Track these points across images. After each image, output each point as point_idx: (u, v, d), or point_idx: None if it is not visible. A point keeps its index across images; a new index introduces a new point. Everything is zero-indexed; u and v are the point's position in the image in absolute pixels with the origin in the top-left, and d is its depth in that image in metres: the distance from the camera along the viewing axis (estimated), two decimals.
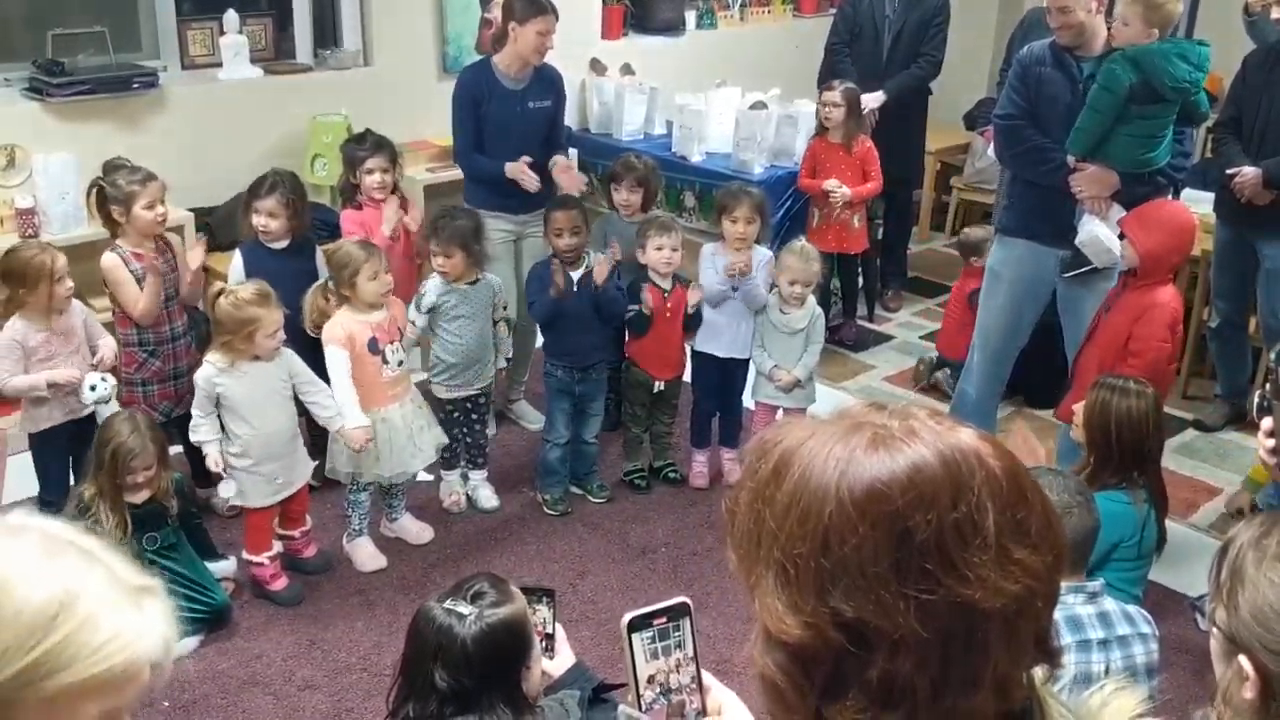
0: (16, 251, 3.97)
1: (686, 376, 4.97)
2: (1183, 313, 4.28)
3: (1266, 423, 1.90)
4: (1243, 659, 1.49)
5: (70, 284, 4.00)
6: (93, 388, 4.01)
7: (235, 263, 4.37)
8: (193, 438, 3.97)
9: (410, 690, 2.28)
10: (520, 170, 4.88)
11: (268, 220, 4.38)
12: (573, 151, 6.02)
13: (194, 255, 4.50)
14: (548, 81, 5.05)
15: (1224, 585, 1.54)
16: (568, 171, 5.07)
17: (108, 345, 4.20)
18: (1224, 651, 1.55)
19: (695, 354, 4.89)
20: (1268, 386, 1.88)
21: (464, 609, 2.27)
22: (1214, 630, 1.56)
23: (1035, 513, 1.02)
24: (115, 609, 1.05)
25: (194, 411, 3.95)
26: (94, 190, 4.20)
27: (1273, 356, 1.87)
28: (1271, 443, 1.89)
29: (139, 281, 4.18)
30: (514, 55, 4.88)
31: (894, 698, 0.99)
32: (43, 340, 3.96)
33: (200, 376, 3.91)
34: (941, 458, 0.99)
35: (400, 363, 4.23)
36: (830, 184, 5.80)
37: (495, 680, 2.26)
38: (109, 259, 4.18)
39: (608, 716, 2.37)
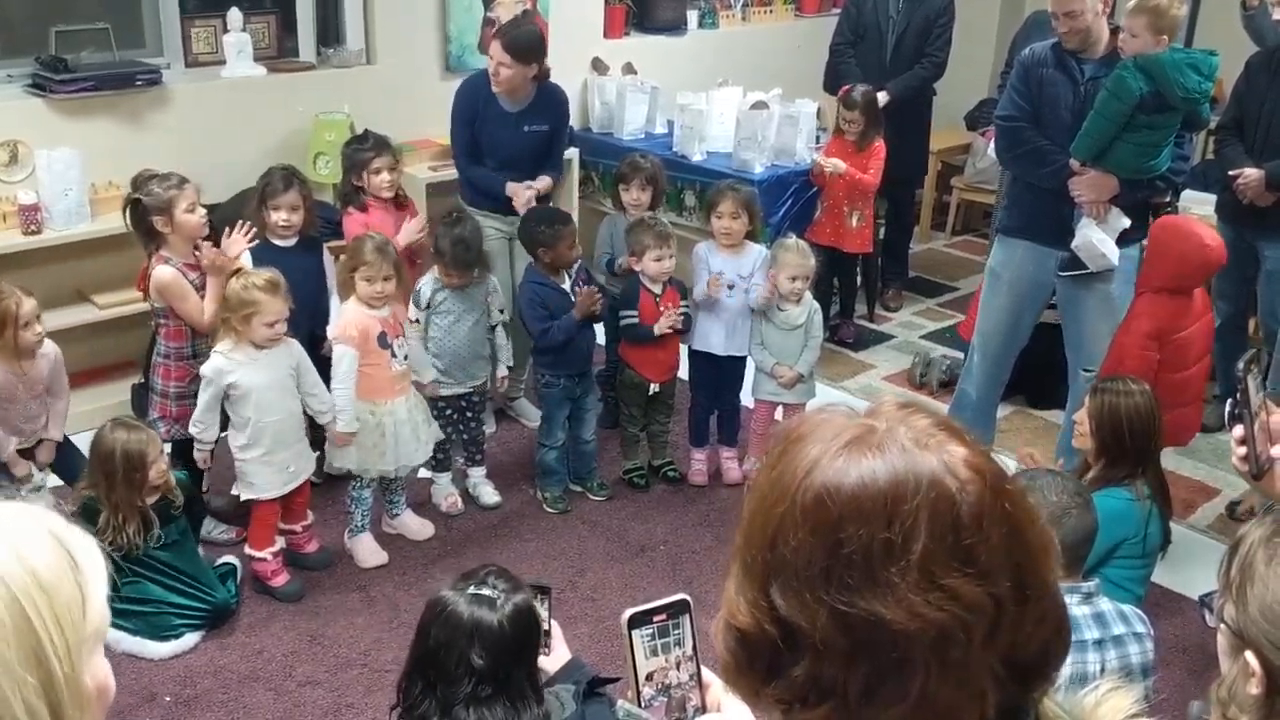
0: None
1: (683, 374, 4.98)
2: (1183, 326, 4.25)
3: (1237, 430, 1.92)
4: (1249, 655, 1.51)
5: (39, 330, 3.95)
6: (37, 487, 4.07)
7: (244, 259, 4.37)
8: (192, 429, 3.97)
9: (433, 678, 2.31)
10: (517, 192, 4.86)
11: (290, 215, 4.37)
12: (574, 151, 6.03)
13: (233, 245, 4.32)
14: (548, 103, 5.00)
15: (1234, 582, 1.56)
16: (523, 196, 4.92)
17: (51, 436, 4.14)
18: (1231, 647, 1.56)
19: (692, 353, 4.90)
20: (1238, 395, 1.90)
21: (489, 592, 2.33)
22: (1222, 626, 1.58)
23: (992, 540, 1.00)
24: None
25: (198, 412, 3.92)
26: (129, 206, 4.14)
27: (1240, 365, 1.90)
28: (1243, 450, 1.91)
29: (197, 292, 4.15)
30: None
31: (817, 695, 1.01)
32: (9, 383, 3.93)
33: (209, 368, 3.87)
34: (893, 474, 0.99)
35: (405, 357, 4.25)
36: (824, 160, 5.81)
37: (523, 660, 2.34)
38: (166, 273, 4.08)
39: (602, 709, 2.39)
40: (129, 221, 4.19)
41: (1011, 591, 1.00)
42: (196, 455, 4.02)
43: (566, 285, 4.59)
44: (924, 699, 0.99)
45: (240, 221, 4.25)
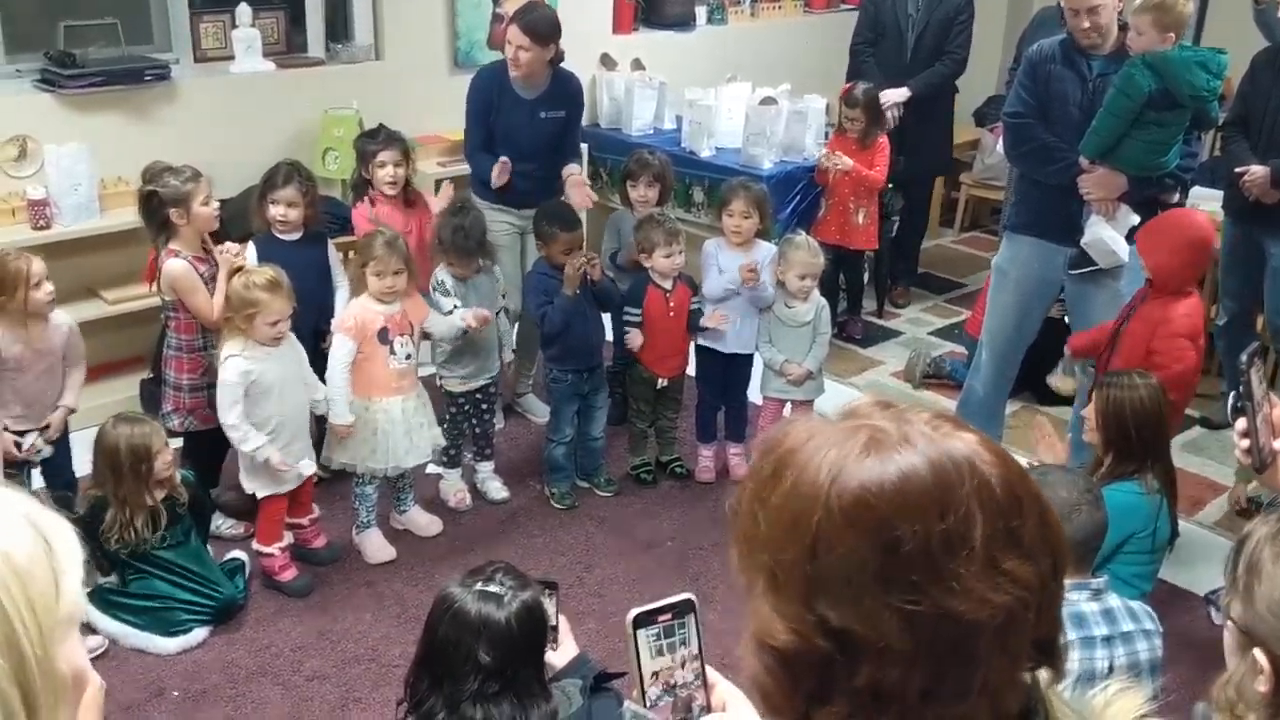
0: None
1: (690, 371, 4.99)
2: (1203, 324, 4.21)
3: (1240, 423, 1.93)
4: (1257, 653, 1.50)
5: (50, 289, 3.93)
6: (38, 451, 4.04)
7: (249, 255, 4.36)
8: (245, 448, 3.92)
9: (441, 674, 2.32)
10: (497, 171, 4.87)
11: (286, 210, 4.37)
12: (583, 147, 6.02)
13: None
14: (564, 91, 5.01)
15: (1240, 579, 1.56)
16: (580, 188, 5.01)
17: (66, 403, 4.11)
18: (1238, 645, 1.56)
19: (699, 350, 4.90)
20: (1241, 388, 1.90)
21: (496, 589, 2.33)
22: (1229, 623, 1.58)
23: (1030, 521, 1.00)
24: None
25: (232, 419, 3.87)
26: (145, 198, 4.15)
27: (1243, 359, 1.90)
28: (1246, 443, 1.92)
29: (207, 285, 4.16)
30: None
31: (880, 705, 0.99)
32: (18, 353, 3.91)
33: (232, 371, 3.85)
34: (932, 466, 0.98)
35: (408, 356, 4.24)
36: (830, 157, 5.81)
37: (530, 658, 2.34)
38: (177, 266, 4.10)
39: (609, 704, 2.39)
40: (142, 213, 4.20)
41: (1051, 569, 1.01)
42: (274, 459, 3.94)
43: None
44: (986, 689, 0.99)
45: (222, 246, 4.23)
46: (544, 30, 4.80)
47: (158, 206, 4.12)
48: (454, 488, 4.70)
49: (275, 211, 4.38)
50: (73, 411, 4.15)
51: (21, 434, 4.00)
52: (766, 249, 4.79)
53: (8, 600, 0.95)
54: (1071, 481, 2.93)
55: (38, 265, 3.90)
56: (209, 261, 4.20)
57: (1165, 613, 3.27)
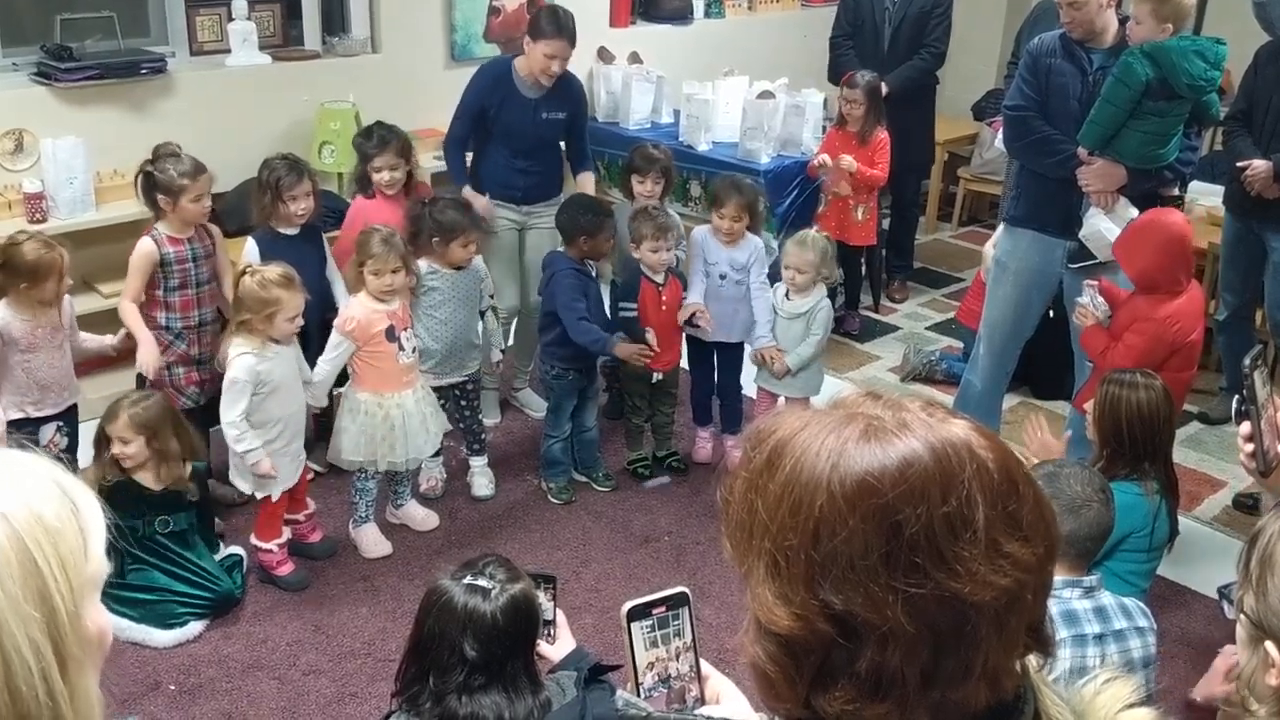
0: (20, 246, 3.89)
1: (685, 364, 4.99)
2: (1193, 327, 4.15)
3: (1244, 427, 1.92)
4: (1269, 646, 1.50)
5: (69, 282, 4.00)
6: (57, 445, 4.05)
7: (249, 250, 4.35)
8: (239, 448, 3.87)
9: (427, 665, 2.32)
10: (480, 204, 4.88)
11: (306, 203, 4.40)
12: None
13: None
14: (565, 93, 5.00)
15: (1253, 573, 1.55)
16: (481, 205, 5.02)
17: (115, 345, 4.24)
18: (1250, 638, 1.55)
19: (690, 338, 4.91)
20: (1244, 391, 1.89)
21: (485, 583, 2.33)
22: (1241, 617, 1.57)
23: (1027, 505, 1.01)
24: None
25: (233, 417, 3.83)
26: (141, 175, 4.20)
27: (1246, 362, 1.89)
28: (1250, 446, 1.91)
29: (169, 265, 4.20)
30: (527, 67, 4.88)
31: (882, 688, 0.99)
32: (27, 331, 3.93)
33: (241, 368, 3.82)
34: (932, 451, 0.99)
35: (414, 349, 4.25)
36: (826, 159, 5.81)
37: (518, 651, 2.33)
38: (145, 245, 4.20)
39: (603, 696, 2.39)
40: (139, 188, 4.26)
41: (1046, 552, 1.02)
42: (263, 466, 3.90)
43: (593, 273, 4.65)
44: (986, 671, 1.00)
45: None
46: (575, 33, 4.85)
47: (150, 186, 4.17)
48: (427, 475, 4.68)
49: (296, 207, 4.39)
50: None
51: (37, 422, 4.03)
52: (755, 243, 4.78)
53: (40, 556, 0.99)
54: (1086, 478, 2.92)
55: (68, 257, 3.96)
56: (182, 243, 4.23)
57: (1161, 608, 3.28)
